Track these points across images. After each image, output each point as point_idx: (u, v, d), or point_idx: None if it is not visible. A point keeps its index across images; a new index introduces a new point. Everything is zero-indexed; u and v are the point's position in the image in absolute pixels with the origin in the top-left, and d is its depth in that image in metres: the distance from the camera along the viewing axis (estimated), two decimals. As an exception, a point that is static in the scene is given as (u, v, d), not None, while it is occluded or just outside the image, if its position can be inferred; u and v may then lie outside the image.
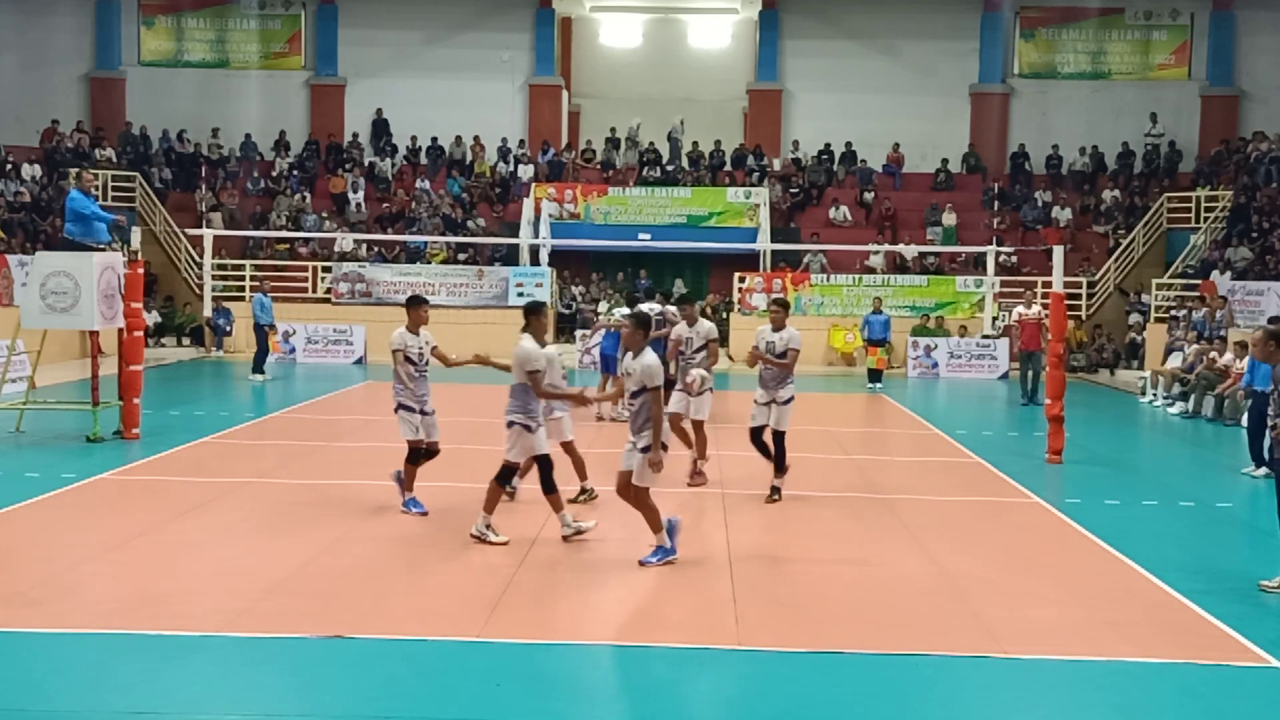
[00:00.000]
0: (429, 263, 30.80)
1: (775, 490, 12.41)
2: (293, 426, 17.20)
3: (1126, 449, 17.93)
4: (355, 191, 33.24)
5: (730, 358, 28.73)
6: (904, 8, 35.50)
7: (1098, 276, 30.91)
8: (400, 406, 11.13)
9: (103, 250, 15.44)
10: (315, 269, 30.31)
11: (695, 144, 34.76)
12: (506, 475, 10.34)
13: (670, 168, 33.97)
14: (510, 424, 10.19)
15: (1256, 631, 8.26)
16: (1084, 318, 29.89)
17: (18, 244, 26.73)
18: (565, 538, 10.26)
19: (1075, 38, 35.92)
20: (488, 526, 10.22)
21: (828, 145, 35.07)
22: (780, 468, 12.38)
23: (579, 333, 28.43)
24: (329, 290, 29.83)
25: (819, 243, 30.85)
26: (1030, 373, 21.86)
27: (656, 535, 9.71)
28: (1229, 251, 28.13)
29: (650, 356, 9.57)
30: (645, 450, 9.54)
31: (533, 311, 10.29)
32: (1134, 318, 29.49)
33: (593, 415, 17.91)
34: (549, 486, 10.20)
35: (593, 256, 32.49)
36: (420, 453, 11.24)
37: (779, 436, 12.34)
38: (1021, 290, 26.30)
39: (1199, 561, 9.87)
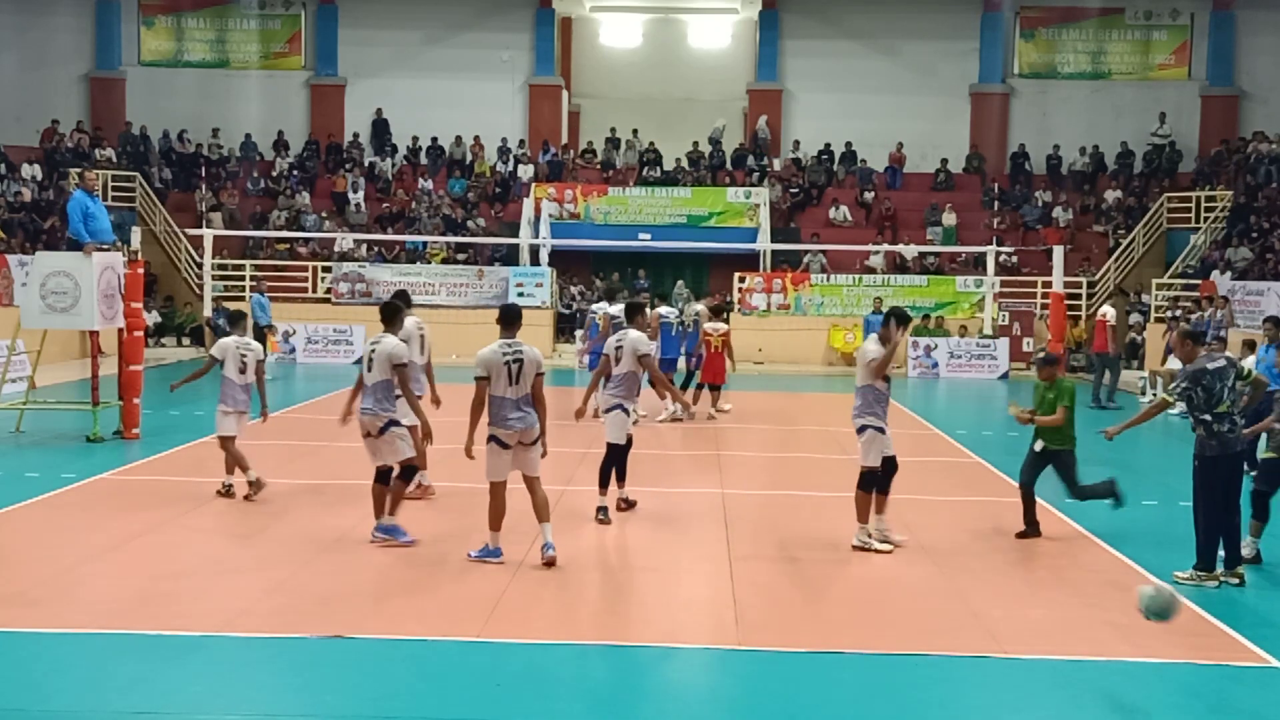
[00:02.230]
0: (429, 263, 30.79)
1: (625, 501, 11.58)
2: (293, 426, 17.18)
3: (1126, 449, 17.91)
4: (355, 191, 33.23)
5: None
6: (904, 8, 35.47)
7: (1098, 276, 30.90)
8: (394, 423, 10.19)
9: (105, 250, 15.45)
10: (315, 269, 30.30)
11: (721, 143, 35.06)
12: (873, 481, 10.26)
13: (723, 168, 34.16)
14: (862, 429, 10.21)
15: (1256, 631, 8.27)
16: (1084, 317, 29.88)
17: (18, 244, 26.73)
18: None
19: (1075, 38, 35.89)
20: (869, 535, 10.25)
21: (828, 145, 35.06)
22: (621, 477, 11.47)
23: (578, 333, 28.44)
24: (329, 290, 29.82)
25: (819, 243, 30.85)
26: (1108, 373, 21.50)
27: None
28: (1229, 251, 28.13)
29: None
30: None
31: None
32: (1134, 318, 29.50)
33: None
34: None
35: (593, 256, 32.48)
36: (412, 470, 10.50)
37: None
38: (1027, 290, 26.24)
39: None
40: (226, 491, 11.94)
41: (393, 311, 10.48)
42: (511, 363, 9.29)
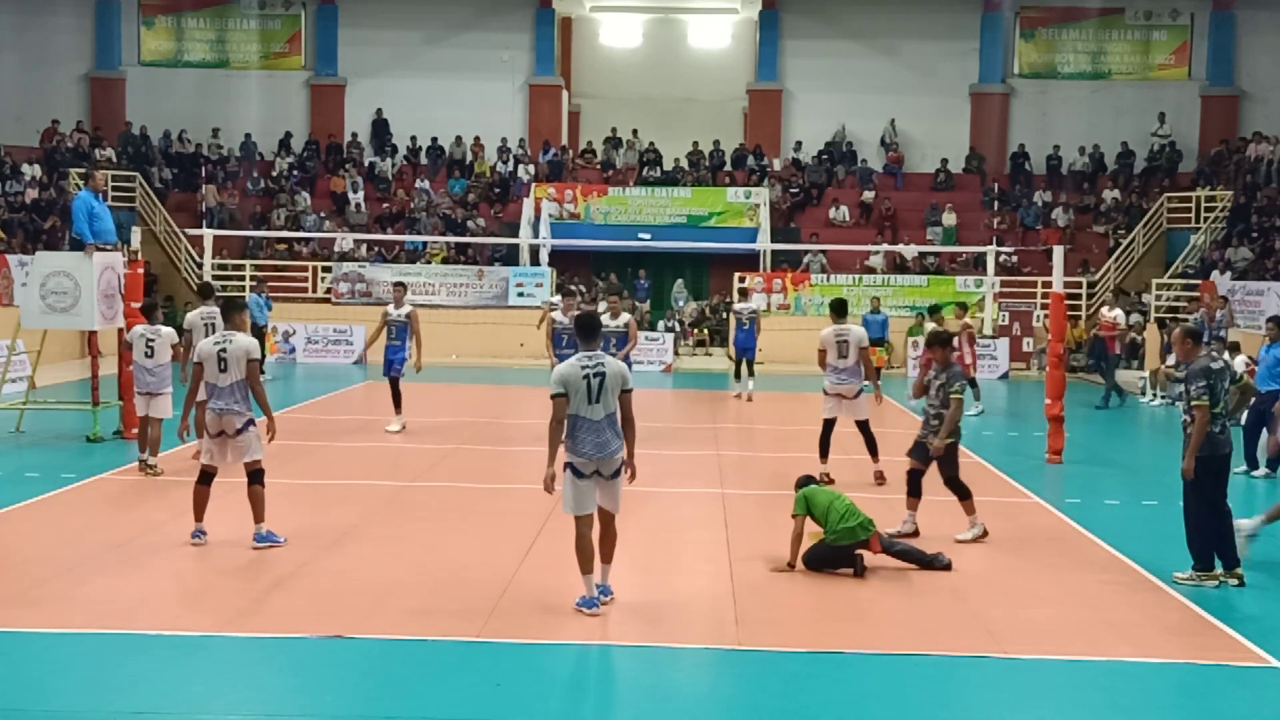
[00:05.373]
0: (429, 263, 30.80)
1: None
2: (293, 426, 17.16)
3: (1126, 449, 17.94)
4: (355, 191, 33.23)
5: (730, 357, 28.76)
6: (904, 8, 35.46)
7: (1098, 276, 30.89)
8: (252, 422, 10.08)
9: (106, 250, 15.46)
10: (315, 269, 30.30)
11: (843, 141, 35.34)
12: None
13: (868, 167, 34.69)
14: None
15: (1256, 631, 8.27)
16: (1084, 318, 29.87)
17: (18, 244, 26.73)
18: None
19: (1075, 38, 35.88)
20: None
21: (828, 145, 35.07)
22: (875, 451, 13.57)
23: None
24: (329, 290, 29.83)
25: (819, 243, 30.84)
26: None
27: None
28: (1229, 251, 28.13)
29: None
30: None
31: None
32: (1134, 318, 29.48)
33: None
34: None
35: (593, 256, 32.48)
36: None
37: None
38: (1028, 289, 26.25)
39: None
40: (147, 468, 13.03)
41: (237, 308, 10.43)
42: (592, 377, 8.24)
